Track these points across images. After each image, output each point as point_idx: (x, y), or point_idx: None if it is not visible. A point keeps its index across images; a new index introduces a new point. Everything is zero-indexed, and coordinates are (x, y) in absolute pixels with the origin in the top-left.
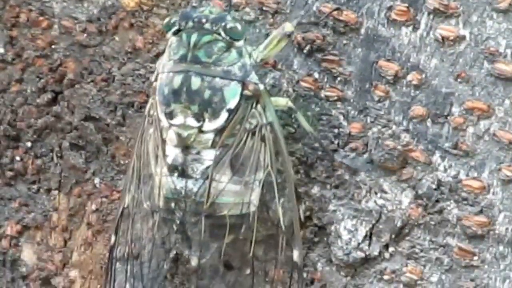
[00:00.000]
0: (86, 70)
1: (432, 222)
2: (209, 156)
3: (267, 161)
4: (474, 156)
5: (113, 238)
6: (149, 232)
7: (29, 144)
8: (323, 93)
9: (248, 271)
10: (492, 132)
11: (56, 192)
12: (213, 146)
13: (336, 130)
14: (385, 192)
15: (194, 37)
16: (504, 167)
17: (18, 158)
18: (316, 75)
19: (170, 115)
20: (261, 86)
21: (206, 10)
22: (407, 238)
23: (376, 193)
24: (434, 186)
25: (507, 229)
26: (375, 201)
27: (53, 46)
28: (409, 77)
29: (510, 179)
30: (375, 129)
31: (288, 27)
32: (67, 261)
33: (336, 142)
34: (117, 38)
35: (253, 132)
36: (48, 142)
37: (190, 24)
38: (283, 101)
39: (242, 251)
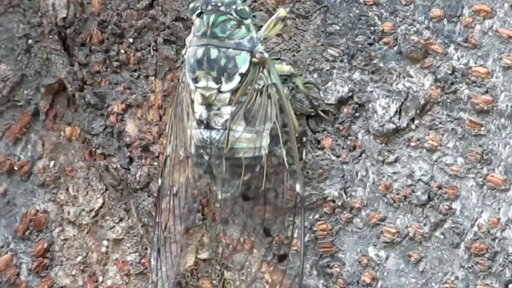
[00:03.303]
0: None
1: (448, 100)
2: (227, 111)
3: (273, 114)
4: (480, 48)
5: (159, 181)
6: (184, 174)
7: (131, 40)
8: None
9: (261, 201)
10: (495, 29)
11: (153, 77)
12: (229, 103)
13: (372, 28)
14: (411, 77)
15: (212, 18)
16: (504, 56)
17: (122, 51)
18: None
19: (195, 80)
20: (266, 55)
21: None
22: (429, 113)
23: (404, 78)
24: (449, 72)
25: (507, 105)
26: (403, 84)
27: None
28: None
29: (509, 65)
30: (403, 27)
31: (282, 12)
32: (162, 132)
33: (372, 37)
34: None
35: (261, 91)
36: (146, 38)
37: (209, 7)
38: (287, 68)
39: (256, 186)
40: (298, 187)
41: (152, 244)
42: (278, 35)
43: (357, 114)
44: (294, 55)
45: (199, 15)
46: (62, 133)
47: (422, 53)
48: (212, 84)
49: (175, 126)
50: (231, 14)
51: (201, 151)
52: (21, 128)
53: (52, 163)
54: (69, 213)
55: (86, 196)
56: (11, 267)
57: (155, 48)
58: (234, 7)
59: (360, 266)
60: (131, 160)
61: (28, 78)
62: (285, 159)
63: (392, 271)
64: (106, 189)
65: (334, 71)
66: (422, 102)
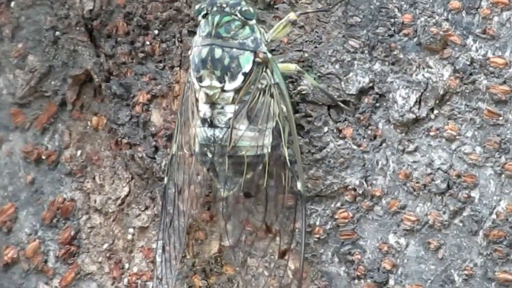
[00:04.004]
0: None
1: (467, 91)
2: (230, 110)
3: (276, 113)
4: (498, 39)
5: (165, 179)
6: (188, 171)
7: (156, 31)
8: None
9: (263, 198)
10: None
11: (178, 68)
12: (233, 102)
13: (392, 20)
14: (431, 68)
15: (217, 18)
16: None
17: (147, 42)
18: None
19: (200, 79)
20: (269, 55)
21: None
22: (448, 103)
23: (423, 68)
24: (468, 63)
25: None
26: (423, 75)
27: None
28: None
29: None
30: (422, 19)
31: (292, 15)
32: None
33: (392, 29)
34: None
35: (264, 90)
36: (171, 30)
37: (214, 8)
38: (292, 66)
39: (258, 183)
40: (299, 185)
41: (157, 241)
42: (301, 27)
43: (377, 104)
44: (316, 47)
45: (205, 16)
46: (88, 123)
47: (441, 44)
48: (215, 83)
49: (181, 125)
50: (236, 15)
51: (205, 149)
52: (48, 118)
53: (79, 152)
54: (95, 201)
55: (112, 185)
56: (39, 254)
57: (179, 39)
58: (238, 8)
59: (381, 253)
60: (156, 149)
61: (56, 69)
62: (287, 157)
63: (412, 258)
64: (132, 178)
65: (355, 62)
66: (441, 92)
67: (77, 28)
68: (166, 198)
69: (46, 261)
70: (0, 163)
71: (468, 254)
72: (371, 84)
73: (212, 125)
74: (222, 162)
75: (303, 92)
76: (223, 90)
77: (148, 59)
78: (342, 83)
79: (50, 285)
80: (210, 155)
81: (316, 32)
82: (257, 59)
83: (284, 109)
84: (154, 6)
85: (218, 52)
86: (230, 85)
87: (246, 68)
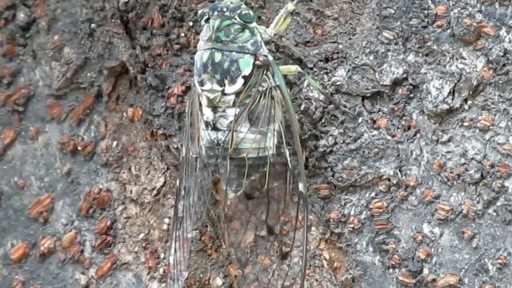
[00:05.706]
0: None
1: (500, 81)
2: (231, 113)
3: (278, 115)
4: None
5: (177, 182)
6: (194, 174)
7: (191, 23)
8: None
9: (265, 200)
10: None
11: None
12: (234, 105)
13: (426, 12)
14: (464, 59)
15: (217, 22)
16: None
17: (182, 34)
18: None
19: (201, 83)
20: (270, 57)
21: (227, 2)
22: (481, 93)
23: (457, 59)
24: (501, 54)
25: None
26: (456, 66)
27: None
28: None
29: None
30: (455, 11)
31: (290, 6)
32: None
33: (426, 20)
34: None
35: (265, 93)
36: None
37: (216, 13)
38: (293, 68)
39: (260, 185)
40: (301, 186)
41: (170, 243)
42: (335, 18)
43: (411, 95)
44: (350, 38)
45: (207, 20)
46: (124, 114)
47: (474, 36)
48: (216, 87)
49: (189, 128)
50: (235, 19)
51: (210, 152)
52: (84, 109)
53: (114, 143)
54: (131, 191)
55: (148, 175)
56: (75, 244)
57: None
58: (238, 11)
59: (415, 242)
60: None
61: (91, 61)
62: (289, 159)
63: (446, 247)
64: (168, 169)
65: (389, 53)
66: (475, 83)
67: (113, 20)
68: (177, 201)
69: (82, 251)
70: (37, 154)
71: (502, 243)
72: (405, 75)
73: (215, 128)
74: (226, 164)
75: (337, 83)
76: (223, 94)
77: (183, 51)
78: (376, 74)
79: (86, 275)
80: (214, 158)
81: (350, 24)
82: (257, 62)
83: (286, 110)
84: None
85: (218, 56)
86: (230, 89)
87: (246, 71)
